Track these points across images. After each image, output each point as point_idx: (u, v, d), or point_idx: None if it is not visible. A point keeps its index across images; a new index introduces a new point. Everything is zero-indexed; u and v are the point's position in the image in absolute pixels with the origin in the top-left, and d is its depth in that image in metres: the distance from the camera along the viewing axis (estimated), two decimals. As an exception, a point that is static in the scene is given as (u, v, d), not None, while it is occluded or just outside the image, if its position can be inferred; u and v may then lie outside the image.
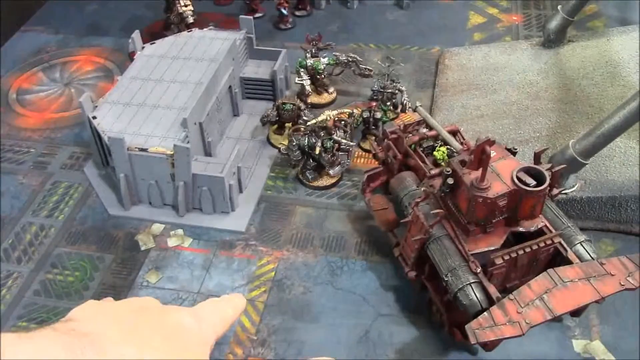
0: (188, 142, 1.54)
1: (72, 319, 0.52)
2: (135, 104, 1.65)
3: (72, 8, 2.48)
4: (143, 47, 1.86)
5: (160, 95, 1.68)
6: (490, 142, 1.15)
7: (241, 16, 1.91)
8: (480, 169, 1.15)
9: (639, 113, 1.29)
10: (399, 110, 1.80)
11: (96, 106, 1.65)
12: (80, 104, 1.61)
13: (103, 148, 1.64)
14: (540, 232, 1.22)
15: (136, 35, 1.84)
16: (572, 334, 1.31)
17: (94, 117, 1.61)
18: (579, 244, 1.22)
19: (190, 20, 2.00)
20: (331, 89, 1.92)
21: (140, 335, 0.52)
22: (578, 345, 1.29)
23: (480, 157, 1.15)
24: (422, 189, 1.30)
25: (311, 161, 1.62)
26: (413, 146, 1.45)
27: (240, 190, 1.62)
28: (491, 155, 1.18)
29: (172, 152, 1.49)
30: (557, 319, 1.29)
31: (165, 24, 2.17)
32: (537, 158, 1.29)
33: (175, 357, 0.53)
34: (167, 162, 1.51)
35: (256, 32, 2.02)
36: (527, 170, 1.19)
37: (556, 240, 1.20)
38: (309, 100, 1.86)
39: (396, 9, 2.36)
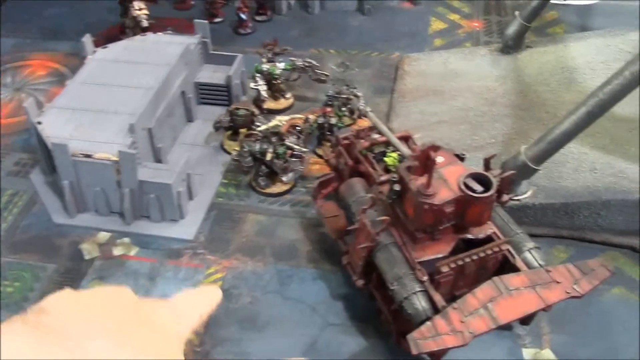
0: (136, 148, 1.51)
1: (45, 310, 0.48)
2: (83, 109, 1.61)
3: (31, 11, 2.42)
4: (94, 51, 1.81)
5: (109, 100, 1.63)
6: (435, 148, 1.12)
7: (196, 20, 1.88)
8: (426, 175, 1.13)
9: (587, 119, 1.28)
10: (355, 115, 1.78)
11: (43, 111, 1.60)
12: (25, 109, 1.57)
13: (49, 154, 1.59)
14: (489, 239, 1.20)
15: (86, 39, 1.79)
16: (522, 342, 1.29)
17: (39, 123, 1.56)
18: (527, 251, 1.20)
19: (145, 24, 1.96)
20: (288, 95, 1.89)
21: (117, 330, 0.49)
22: (528, 353, 1.27)
23: (425, 163, 1.13)
24: (369, 195, 1.27)
25: (263, 168, 1.59)
26: (364, 152, 1.42)
27: (191, 198, 1.58)
28: (437, 161, 1.16)
29: (117, 159, 1.45)
30: (507, 327, 1.27)
31: (121, 28, 2.13)
32: (486, 164, 1.27)
33: (151, 353, 0.49)
34: (112, 169, 1.46)
35: (216, 37, 1.99)
36: (475, 177, 1.17)
37: (504, 247, 1.18)
38: (265, 106, 1.83)
39: (358, 14, 2.34)
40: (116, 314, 0.51)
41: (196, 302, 0.61)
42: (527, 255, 1.19)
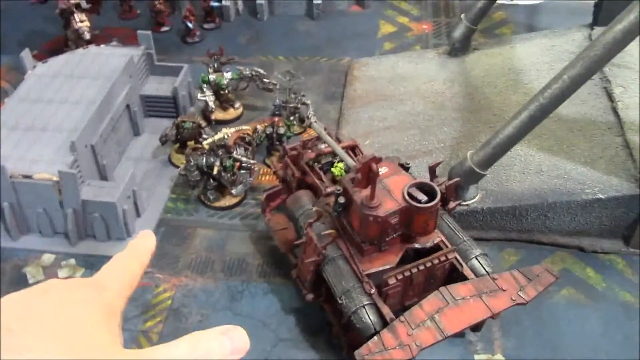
0: (77, 166, 1.47)
1: None
2: (22, 128, 1.56)
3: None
4: (34, 66, 1.76)
5: (50, 117, 1.58)
6: (377, 160, 1.11)
7: (139, 31, 1.84)
8: (370, 187, 1.12)
9: (529, 123, 1.28)
10: (305, 124, 1.76)
11: (-20, 131, 1.55)
12: (-40, 129, 1.52)
13: (-11, 175, 1.54)
14: (437, 248, 1.20)
15: (25, 54, 1.74)
16: (474, 349, 1.29)
17: (-24, 143, 1.51)
18: (474, 258, 1.20)
19: (87, 36, 1.91)
20: (237, 104, 1.87)
21: (40, 322, 0.48)
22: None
23: (367, 175, 1.12)
24: (314, 208, 1.26)
25: (212, 181, 1.56)
26: (311, 163, 1.40)
27: (138, 215, 1.55)
28: (381, 172, 1.15)
29: (58, 178, 1.41)
30: (459, 334, 1.27)
31: (64, 40, 2.07)
32: (432, 172, 1.27)
33: (83, 336, 0.48)
34: (53, 189, 1.42)
35: (163, 46, 1.96)
36: (419, 186, 1.16)
37: (451, 256, 1.18)
38: (213, 117, 1.80)
39: (307, 19, 2.33)
40: (43, 307, 0.49)
41: (123, 271, 0.58)
42: (474, 262, 1.19)
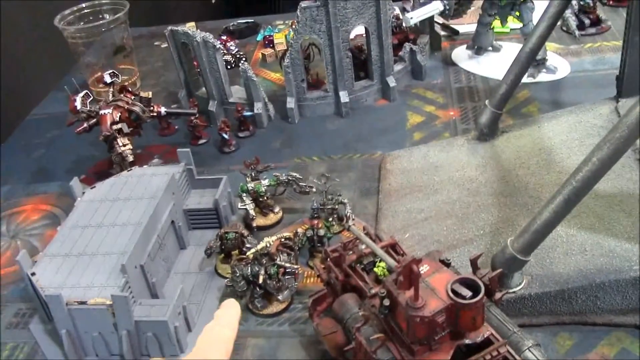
0: (129, 287, 1.52)
1: None
2: (74, 254, 1.63)
3: (17, 157, 2.50)
4: (83, 193, 1.86)
5: (99, 242, 1.66)
6: (417, 261, 1.13)
7: (179, 150, 1.93)
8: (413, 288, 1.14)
9: (565, 207, 1.29)
10: (344, 222, 1.80)
11: (35, 261, 1.63)
12: (18, 262, 1.59)
13: (46, 303, 1.60)
14: (487, 342, 1.19)
15: (74, 182, 1.84)
16: None
17: (33, 274, 1.58)
18: (527, 350, 1.18)
19: (130, 158, 2.01)
20: (277, 209, 1.92)
21: None
22: None
23: (409, 276, 1.14)
24: (361, 312, 1.27)
25: (258, 289, 1.59)
26: (354, 264, 1.43)
27: (189, 329, 1.58)
28: (421, 272, 1.17)
29: (111, 302, 1.46)
30: None
31: (109, 163, 2.18)
32: (473, 265, 1.28)
33: None
34: (107, 313, 1.47)
35: (202, 157, 2.04)
36: (463, 282, 1.17)
37: (503, 350, 1.17)
38: (254, 224, 1.85)
39: (337, 117, 2.41)
40: None
41: (219, 341, 0.65)
42: (528, 354, 1.18)
